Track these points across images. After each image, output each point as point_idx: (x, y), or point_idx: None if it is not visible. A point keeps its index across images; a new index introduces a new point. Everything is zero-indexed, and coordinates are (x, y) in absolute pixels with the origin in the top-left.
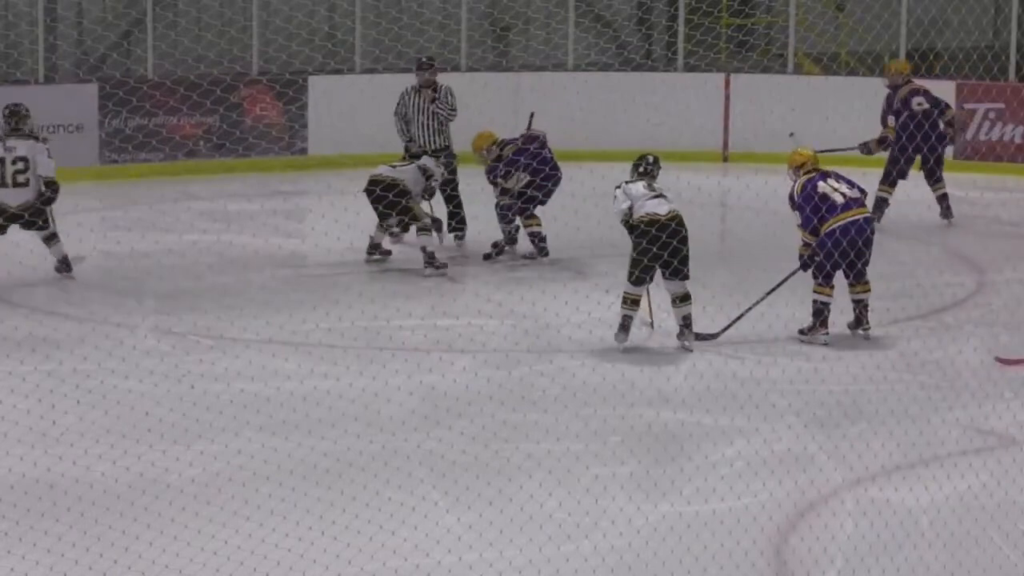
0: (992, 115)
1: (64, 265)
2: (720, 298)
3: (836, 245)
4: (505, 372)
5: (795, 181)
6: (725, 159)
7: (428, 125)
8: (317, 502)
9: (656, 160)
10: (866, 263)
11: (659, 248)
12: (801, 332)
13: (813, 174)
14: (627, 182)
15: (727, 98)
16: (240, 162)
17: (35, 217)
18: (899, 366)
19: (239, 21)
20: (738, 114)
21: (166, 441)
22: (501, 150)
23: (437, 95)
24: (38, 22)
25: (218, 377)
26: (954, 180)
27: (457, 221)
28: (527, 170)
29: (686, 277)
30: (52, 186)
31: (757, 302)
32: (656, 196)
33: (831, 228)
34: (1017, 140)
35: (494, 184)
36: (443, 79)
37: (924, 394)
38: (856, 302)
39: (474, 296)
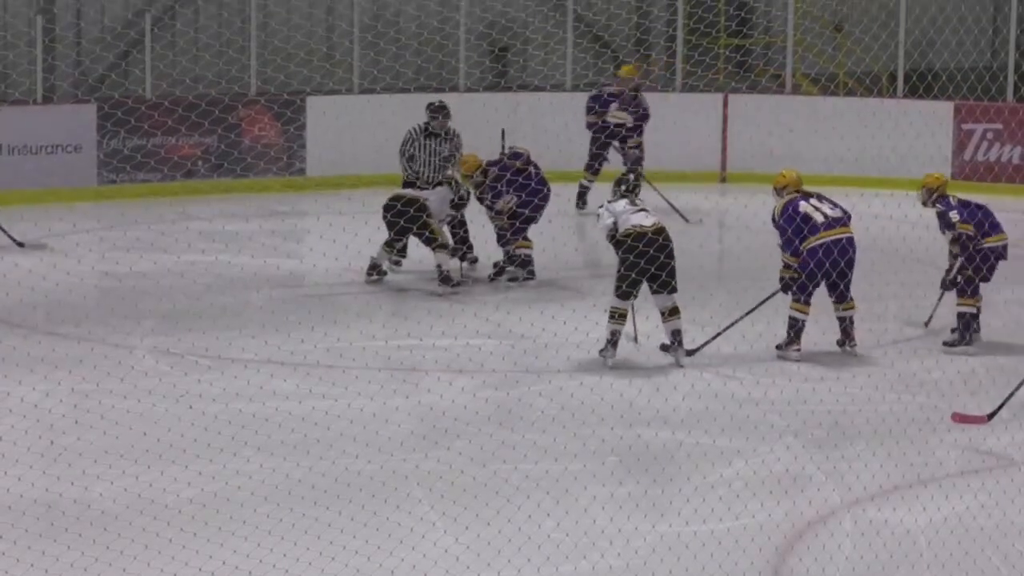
0: (990, 135)
1: None
2: (718, 318)
3: (819, 265)
4: (503, 392)
5: (777, 202)
6: (723, 179)
7: (436, 164)
8: (315, 523)
9: (637, 178)
10: (848, 283)
11: (646, 262)
12: (778, 347)
13: (795, 195)
14: (609, 201)
15: (725, 118)
16: (238, 182)
17: None
18: (897, 386)
19: (237, 41)
20: (736, 134)
21: (164, 461)
22: (485, 174)
23: (454, 140)
24: (36, 42)
25: (216, 397)
26: None
27: (467, 247)
28: (514, 187)
29: (674, 290)
30: None
31: (735, 321)
32: (640, 210)
33: (812, 246)
34: (1015, 160)
35: (488, 207)
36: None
37: (922, 415)
38: (841, 320)
39: (472, 316)
